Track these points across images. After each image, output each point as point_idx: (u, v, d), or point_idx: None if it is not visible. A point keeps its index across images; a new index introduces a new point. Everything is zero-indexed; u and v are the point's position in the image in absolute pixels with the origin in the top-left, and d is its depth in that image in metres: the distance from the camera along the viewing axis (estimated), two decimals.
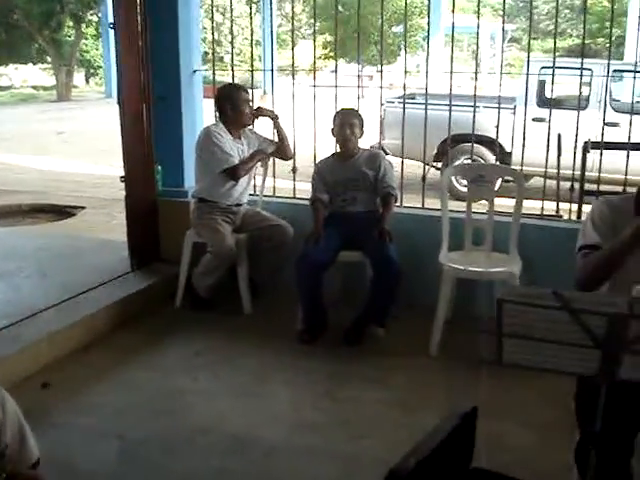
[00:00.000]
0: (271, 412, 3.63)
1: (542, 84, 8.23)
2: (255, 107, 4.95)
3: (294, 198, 5.21)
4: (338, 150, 4.67)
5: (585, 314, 1.59)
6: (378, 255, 4.25)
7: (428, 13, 6.40)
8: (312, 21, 20.30)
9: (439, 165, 8.23)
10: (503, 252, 4.39)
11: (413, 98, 8.60)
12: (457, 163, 8.19)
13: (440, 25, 16.64)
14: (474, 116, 4.76)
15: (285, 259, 4.66)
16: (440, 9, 16.47)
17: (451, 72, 4.83)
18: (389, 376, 3.98)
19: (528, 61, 4.96)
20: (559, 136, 5.33)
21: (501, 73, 4.97)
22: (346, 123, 4.51)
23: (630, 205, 2.49)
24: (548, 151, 4.74)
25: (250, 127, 5.01)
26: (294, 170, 5.23)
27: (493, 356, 1.80)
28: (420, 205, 4.96)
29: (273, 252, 4.79)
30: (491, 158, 8.17)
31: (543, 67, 7.53)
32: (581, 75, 4.66)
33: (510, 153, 7.22)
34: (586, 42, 5.23)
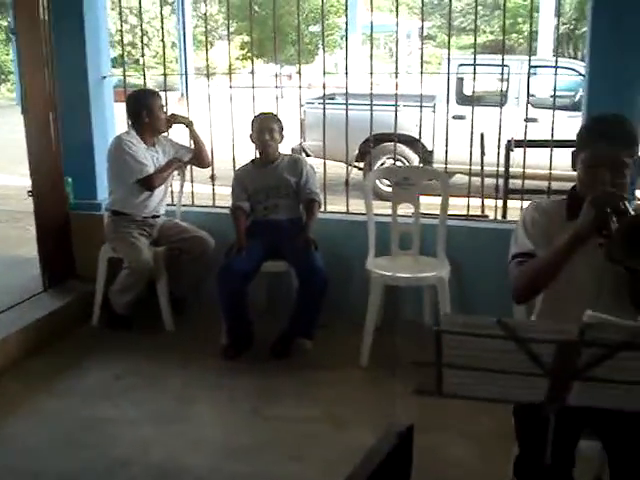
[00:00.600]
0: (196, 437, 3.43)
1: (461, 82, 8.23)
2: (169, 114, 4.73)
3: (214, 207, 5.01)
4: (258, 156, 4.49)
5: (533, 342, 1.47)
6: (303, 264, 4.10)
7: (346, 13, 6.22)
8: (229, 22, 19.86)
9: (361, 165, 8.14)
10: (432, 256, 4.30)
11: (333, 98, 8.49)
12: (379, 163, 8.14)
13: (357, 24, 16.65)
14: (396, 116, 4.66)
15: (207, 271, 4.45)
16: (356, 8, 16.46)
17: (371, 71, 4.73)
18: (319, 391, 3.83)
19: (449, 59, 4.90)
20: (482, 135, 5.29)
21: (421, 73, 4.90)
22: (265, 128, 4.34)
23: (562, 210, 2.40)
24: (472, 148, 4.69)
25: (165, 134, 4.78)
26: (213, 178, 5.02)
27: (431, 387, 1.67)
28: (345, 210, 4.83)
29: (194, 264, 4.59)
30: (413, 157, 8.13)
31: (461, 64, 7.52)
32: (502, 73, 4.64)
33: (432, 152, 7.24)
34: (501, 38, 5.19)
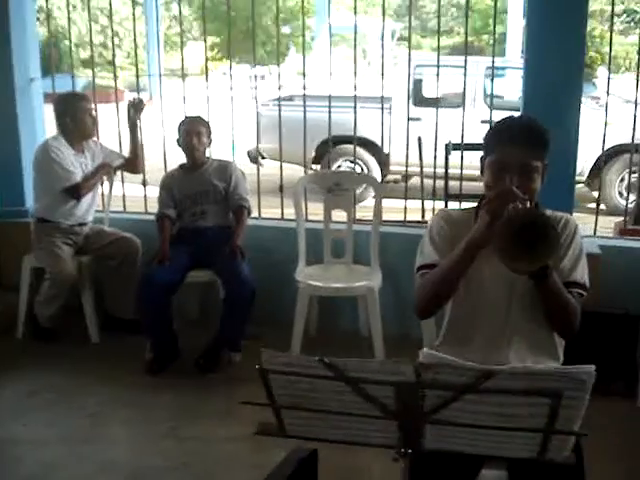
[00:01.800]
0: (105, 459, 3.23)
1: (418, 83, 8.07)
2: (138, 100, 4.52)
3: (146, 213, 4.81)
4: (185, 161, 4.30)
5: (366, 383, 1.30)
6: (229, 274, 3.92)
7: (302, 11, 6.06)
8: (199, 22, 19.72)
9: (318, 168, 7.98)
10: (366, 264, 4.13)
11: (291, 100, 8.32)
12: (336, 165, 7.97)
13: (331, 26, 16.43)
14: (355, 118, 4.55)
15: (136, 277, 4.25)
16: (327, 9, 16.23)
17: (330, 73, 4.63)
18: (244, 408, 3.62)
19: (409, 60, 4.75)
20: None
21: (382, 74, 4.77)
22: (192, 131, 4.16)
23: (471, 218, 2.24)
24: (436, 152, 4.55)
25: (94, 139, 4.58)
26: (144, 184, 4.83)
27: (274, 428, 1.49)
28: (279, 216, 4.66)
29: (121, 270, 4.37)
30: (370, 159, 7.98)
31: (418, 65, 7.38)
32: (465, 74, 4.53)
33: (388, 154, 7.09)
34: (470, 40, 5.06)
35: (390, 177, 7.92)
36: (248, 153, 7.65)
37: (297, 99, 8.23)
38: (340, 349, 4.18)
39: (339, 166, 7.98)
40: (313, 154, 7.61)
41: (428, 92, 8.04)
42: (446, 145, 4.54)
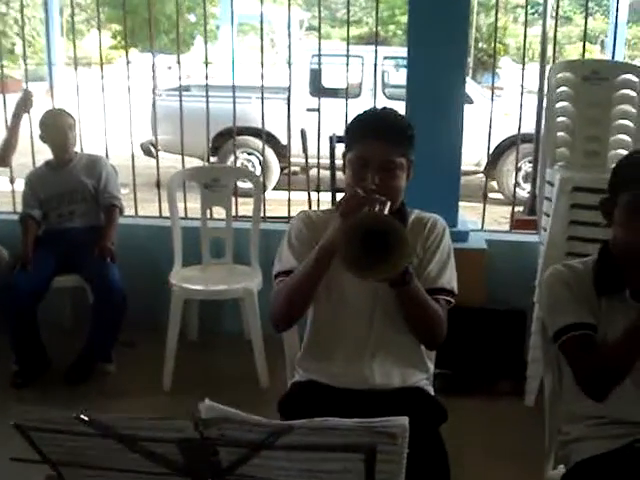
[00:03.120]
0: None
1: (315, 73, 7.89)
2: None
3: (14, 213, 4.46)
4: (52, 157, 4.00)
5: (147, 441, 1.09)
6: (98, 279, 3.65)
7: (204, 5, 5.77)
8: (103, 9, 19.07)
9: (214, 160, 7.74)
10: (248, 264, 3.92)
11: (188, 90, 8.03)
12: (233, 157, 7.73)
13: (233, 13, 16.11)
14: (262, 109, 4.42)
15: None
16: None
17: (232, 62, 4.48)
18: None
19: (320, 49, 4.56)
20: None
21: (289, 63, 4.60)
22: (58, 126, 3.86)
23: (331, 220, 2.05)
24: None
25: None
26: (12, 181, 4.50)
27: None
28: (157, 214, 4.40)
29: None
30: (268, 151, 7.77)
31: (314, 55, 7.20)
32: (377, 64, 4.43)
33: (286, 146, 6.89)
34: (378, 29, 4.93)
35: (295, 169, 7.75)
36: (141, 146, 7.34)
37: (194, 89, 7.97)
38: (222, 353, 4.03)
39: (236, 158, 7.74)
40: (210, 146, 7.37)
41: (328, 82, 7.90)
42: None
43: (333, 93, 6.87)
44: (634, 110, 3.37)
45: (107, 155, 4.31)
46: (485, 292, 3.69)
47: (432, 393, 2.16)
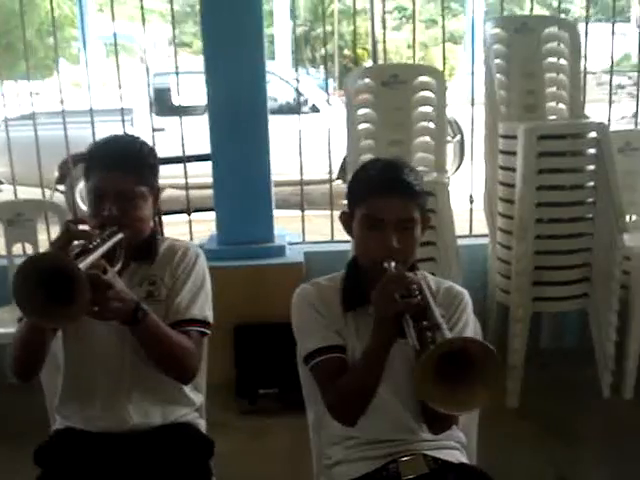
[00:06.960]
0: None
1: (160, 92, 7.78)
2: None
3: None
4: None
5: None
6: None
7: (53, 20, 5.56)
8: None
9: (62, 188, 7.54)
10: None
11: (30, 118, 7.77)
12: (82, 184, 7.54)
13: (94, 34, 15.76)
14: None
15: None
16: (87, 18, 15.47)
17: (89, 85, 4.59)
18: None
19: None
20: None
21: (149, 81, 4.51)
22: None
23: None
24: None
25: None
26: None
27: None
28: None
29: None
30: None
31: (156, 74, 7.13)
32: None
33: None
34: None
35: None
36: None
37: (39, 116, 7.71)
38: None
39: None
40: (57, 174, 7.20)
41: (179, 100, 7.78)
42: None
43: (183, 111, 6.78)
44: None
45: None
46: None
47: (201, 425, 2.10)
